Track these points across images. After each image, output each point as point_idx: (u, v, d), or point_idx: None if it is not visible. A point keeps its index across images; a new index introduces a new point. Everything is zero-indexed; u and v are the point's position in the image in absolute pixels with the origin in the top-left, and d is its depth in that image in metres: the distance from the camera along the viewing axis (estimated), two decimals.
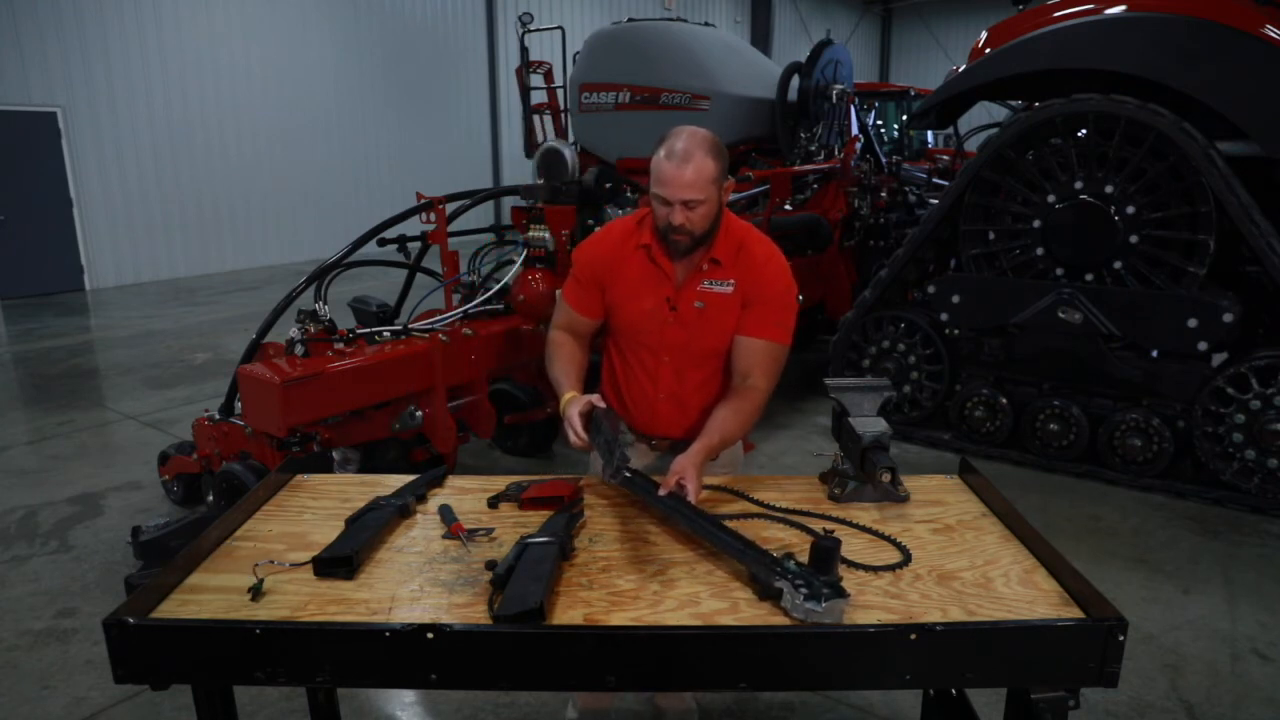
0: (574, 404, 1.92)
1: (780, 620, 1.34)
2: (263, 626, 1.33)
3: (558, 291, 2.22)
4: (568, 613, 1.38)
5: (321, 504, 1.82)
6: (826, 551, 1.41)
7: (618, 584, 1.47)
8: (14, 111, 9.73)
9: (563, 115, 8.67)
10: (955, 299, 4.71)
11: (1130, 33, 4.25)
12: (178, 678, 1.36)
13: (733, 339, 2.04)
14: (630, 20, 7.91)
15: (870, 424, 1.81)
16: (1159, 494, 4.24)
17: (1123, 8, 4.34)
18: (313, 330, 3.64)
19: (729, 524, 1.61)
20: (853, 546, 1.60)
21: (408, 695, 2.70)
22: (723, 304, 2.02)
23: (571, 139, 7.72)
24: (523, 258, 4.26)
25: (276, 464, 2.61)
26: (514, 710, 2.62)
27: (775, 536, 1.66)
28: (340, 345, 3.65)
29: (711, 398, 2.10)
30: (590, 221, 4.20)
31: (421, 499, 1.82)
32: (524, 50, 8.49)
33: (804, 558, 1.45)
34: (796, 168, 6.30)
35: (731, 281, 2.01)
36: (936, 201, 5.07)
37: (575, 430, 1.88)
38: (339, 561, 1.49)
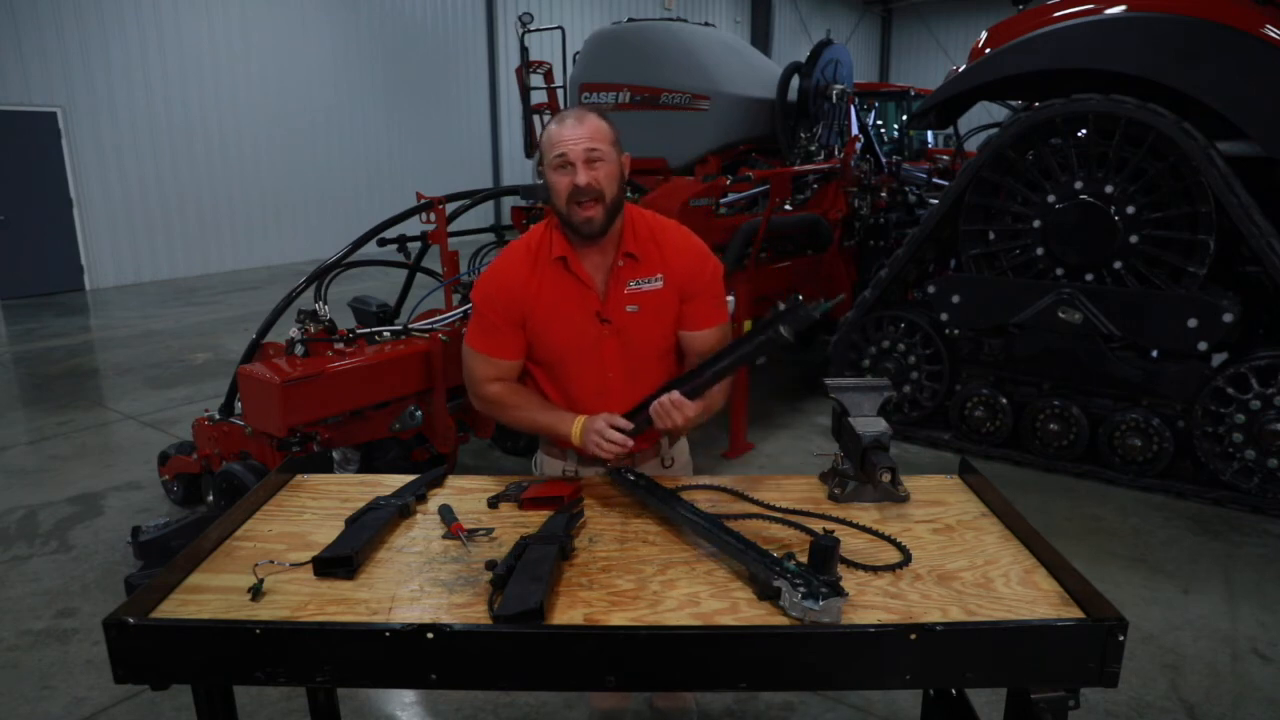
0: (598, 420, 1.80)
1: (780, 620, 1.34)
2: (263, 626, 1.33)
3: (465, 347, 2.01)
4: (568, 613, 1.38)
5: (321, 504, 1.82)
6: (825, 551, 1.41)
7: (618, 584, 1.47)
8: (14, 111, 9.74)
9: None
10: (955, 299, 4.71)
11: (1130, 33, 4.25)
12: (178, 678, 1.36)
13: (678, 334, 1.98)
14: (630, 20, 7.91)
15: (870, 424, 1.81)
16: (1159, 494, 4.24)
17: (1122, 8, 4.34)
18: (313, 330, 3.64)
19: (729, 524, 1.61)
20: (853, 546, 1.60)
21: (408, 695, 2.70)
22: (657, 301, 1.93)
23: None
24: None
25: (276, 464, 2.61)
26: (514, 710, 2.62)
27: (775, 536, 1.65)
28: (340, 345, 3.65)
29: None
30: None
31: (421, 499, 1.82)
32: (524, 50, 8.49)
33: (804, 558, 1.45)
34: (796, 168, 6.30)
35: (659, 276, 1.92)
36: (936, 201, 5.08)
37: (619, 440, 1.77)
38: (339, 561, 1.49)
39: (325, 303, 3.79)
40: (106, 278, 10.83)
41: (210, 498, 3.71)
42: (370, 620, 1.36)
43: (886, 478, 1.70)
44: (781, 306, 1.61)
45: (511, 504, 1.81)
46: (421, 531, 1.69)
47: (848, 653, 1.33)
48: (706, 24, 8.58)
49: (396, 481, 1.90)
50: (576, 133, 1.78)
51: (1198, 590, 3.36)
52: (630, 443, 1.81)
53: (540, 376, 2.02)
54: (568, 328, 1.92)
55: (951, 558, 1.56)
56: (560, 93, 8.72)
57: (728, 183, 5.59)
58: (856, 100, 9.17)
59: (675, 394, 1.73)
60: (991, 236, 4.65)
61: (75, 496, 4.31)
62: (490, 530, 1.67)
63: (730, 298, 2.17)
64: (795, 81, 6.82)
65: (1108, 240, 4.25)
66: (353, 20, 13.37)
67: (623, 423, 1.80)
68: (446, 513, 1.72)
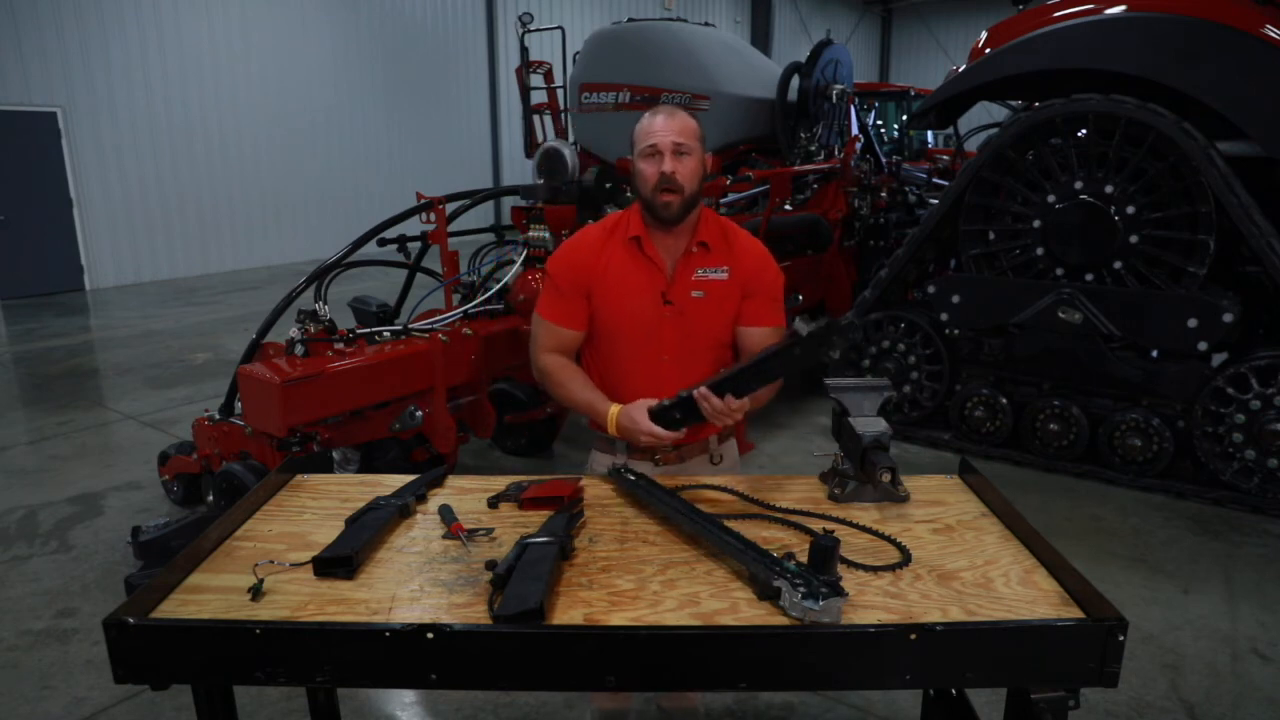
0: (638, 410, 1.86)
1: (780, 620, 1.34)
2: (263, 626, 1.33)
3: (534, 315, 2.12)
4: (568, 613, 1.38)
5: (321, 504, 1.82)
6: (825, 551, 1.41)
7: (618, 584, 1.47)
8: (14, 111, 9.74)
9: (563, 115, 8.67)
10: (955, 299, 4.71)
11: (1130, 33, 4.25)
12: (178, 678, 1.36)
13: (736, 330, 2.05)
14: (630, 20, 7.92)
15: (870, 424, 1.81)
16: (1159, 494, 4.24)
17: (1122, 8, 4.34)
18: (313, 330, 3.64)
19: (729, 524, 1.61)
20: (853, 546, 1.60)
21: (408, 695, 2.70)
22: (721, 291, 2.02)
23: (571, 139, 7.72)
24: (522, 258, 4.26)
25: (276, 464, 2.62)
26: (514, 710, 2.62)
27: (775, 536, 1.65)
28: (340, 345, 3.65)
29: None
30: (590, 221, 4.20)
31: (421, 499, 1.82)
32: (524, 50, 8.50)
33: (804, 558, 1.45)
34: (796, 168, 6.30)
35: (725, 268, 2.02)
36: (936, 201, 5.08)
37: (658, 433, 1.84)
38: (339, 561, 1.49)
39: (325, 303, 3.79)
40: (106, 278, 10.82)
41: (210, 498, 3.71)
42: (370, 620, 1.36)
43: (886, 478, 1.70)
44: (818, 323, 1.64)
45: (511, 504, 1.81)
46: (421, 531, 1.69)
47: (848, 653, 1.33)
48: (706, 24, 8.58)
49: (396, 481, 1.90)
50: (668, 125, 1.92)
51: (1198, 590, 3.36)
52: (681, 435, 1.86)
53: (597, 353, 2.10)
54: (632, 303, 2.00)
55: (951, 558, 1.56)
56: (560, 93, 8.73)
57: (728, 183, 5.59)
58: (856, 100, 9.18)
59: (729, 397, 1.76)
60: (991, 236, 4.65)
61: (75, 496, 4.31)
62: (490, 530, 1.67)
63: None
64: (795, 81, 6.83)
65: (1108, 240, 4.25)
66: (353, 20, 13.37)
67: (660, 432, 1.84)
68: (446, 513, 1.72)
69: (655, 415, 1.85)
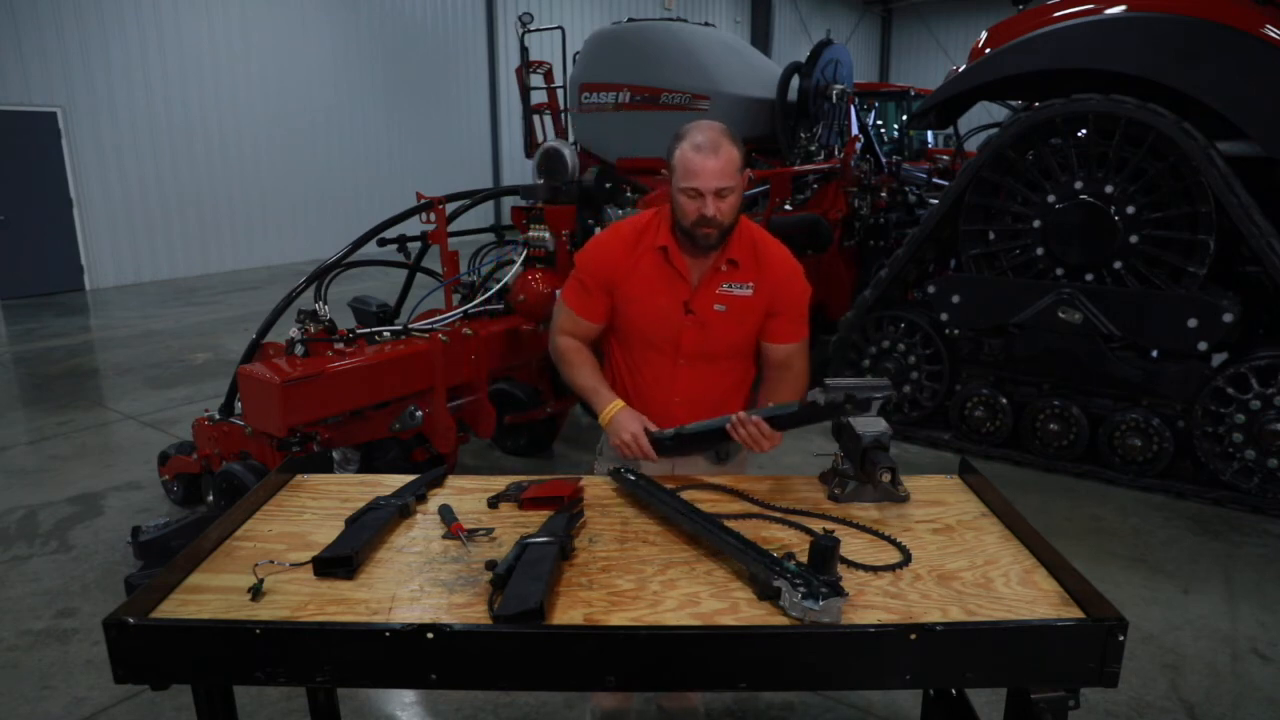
0: (634, 420, 1.95)
1: (780, 620, 1.34)
2: (263, 626, 1.33)
3: (557, 293, 2.18)
4: (568, 613, 1.38)
5: (321, 504, 1.82)
6: (825, 551, 1.41)
7: (618, 584, 1.47)
8: (14, 111, 9.73)
9: (563, 115, 8.67)
10: (955, 299, 4.71)
11: (1130, 33, 4.25)
12: (178, 678, 1.36)
13: (759, 343, 2.07)
14: (630, 20, 7.91)
15: (870, 424, 1.81)
16: (1159, 494, 4.24)
17: (1122, 8, 4.34)
18: (313, 330, 3.63)
19: (729, 524, 1.61)
20: (853, 546, 1.60)
21: (408, 695, 2.70)
22: (744, 306, 2.02)
23: (571, 139, 7.72)
24: (523, 258, 4.27)
25: (276, 464, 2.61)
26: (514, 710, 2.62)
27: (775, 536, 1.65)
28: (340, 345, 3.65)
29: (730, 392, 2.11)
30: (590, 221, 4.20)
31: (421, 499, 1.82)
32: (524, 50, 8.49)
33: (804, 558, 1.45)
34: (796, 168, 6.30)
35: (750, 284, 2.01)
36: (936, 201, 5.07)
37: (644, 450, 1.92)
38: (339, 561, 1.49)
39: (325, 303, 3.79)
40: (106, 278, 10.82)
41: (210, 498, 3.70)
42: (370, 620, 1.36)
43: (886, 478, 1.70)
44: (833, 394, 1.76)
45: (511, 504, 1.81)
46: (421, 531, 1.69)
47: (848, 653, 1.33)
48: (706, 24, 8.58)
49: (396, 481, 1.90)
50: (711, 166, 1.85)
51: (1198, 590, 3.36)
52: (654, 459, 1.95)
53: (618, 351, 2.13)
54: (654, 308, 2.03)
55: (951, 558, 1.56)
56: (560, 93, 8.72)
57: None
58: (856, 100, 9.18)
59: (761, 421, 1.83)
60: (991, 236, 4.65)
61: (75, 496, 4.31)
62: (490, 530, 1.67)
63: None
64: (795, 81, 6.82)
65: (1108, 240, 4.25)
66: (353, 20, 13.36)
67: (645, 445, 1.93)
68: (446, 513, 1.72)
69: (653, 438, 1.93)
